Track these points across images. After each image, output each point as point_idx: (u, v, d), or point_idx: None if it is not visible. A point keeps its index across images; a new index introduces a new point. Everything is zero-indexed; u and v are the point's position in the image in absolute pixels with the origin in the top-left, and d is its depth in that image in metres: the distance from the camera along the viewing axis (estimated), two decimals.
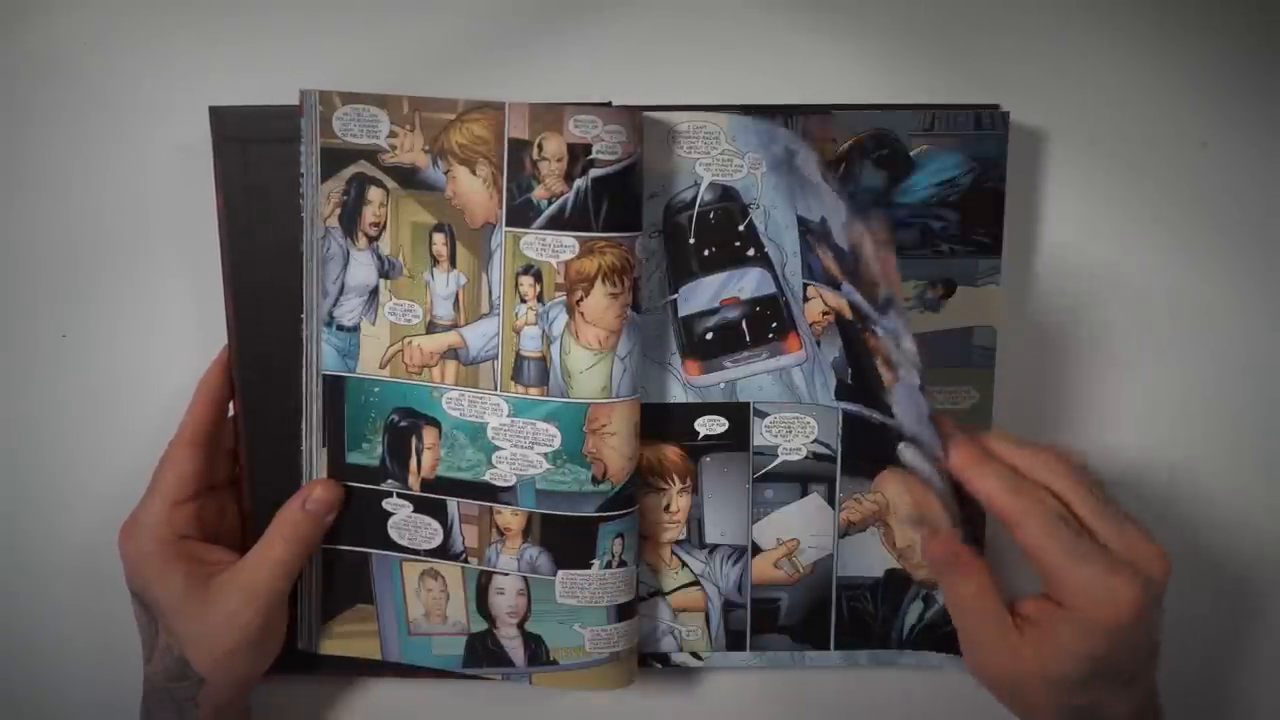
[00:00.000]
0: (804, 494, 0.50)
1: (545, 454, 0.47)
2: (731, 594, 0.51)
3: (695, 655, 0.52)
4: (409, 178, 0.46)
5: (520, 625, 0.49)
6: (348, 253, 0.47)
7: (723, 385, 0.49)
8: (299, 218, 0.46)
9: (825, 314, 0.48)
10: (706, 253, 0.48)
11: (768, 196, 0.48)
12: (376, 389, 0.48)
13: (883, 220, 0.45)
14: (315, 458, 0.48)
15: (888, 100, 0.50)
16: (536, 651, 0.49)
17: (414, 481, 0.48)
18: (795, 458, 0.50)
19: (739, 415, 0.50)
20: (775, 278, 0.48)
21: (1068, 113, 0.51)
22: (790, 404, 0.49)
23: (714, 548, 0.51)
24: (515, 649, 0.49)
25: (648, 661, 0.52)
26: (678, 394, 0.50)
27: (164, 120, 0.51)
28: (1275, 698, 0.54)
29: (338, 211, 0.46)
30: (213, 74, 0.51)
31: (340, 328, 0.47)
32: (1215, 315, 0.52)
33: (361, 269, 0.47)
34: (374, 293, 0.47)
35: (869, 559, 0.51)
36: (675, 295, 0.49)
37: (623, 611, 0.48)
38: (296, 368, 0.47)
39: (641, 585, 0.50)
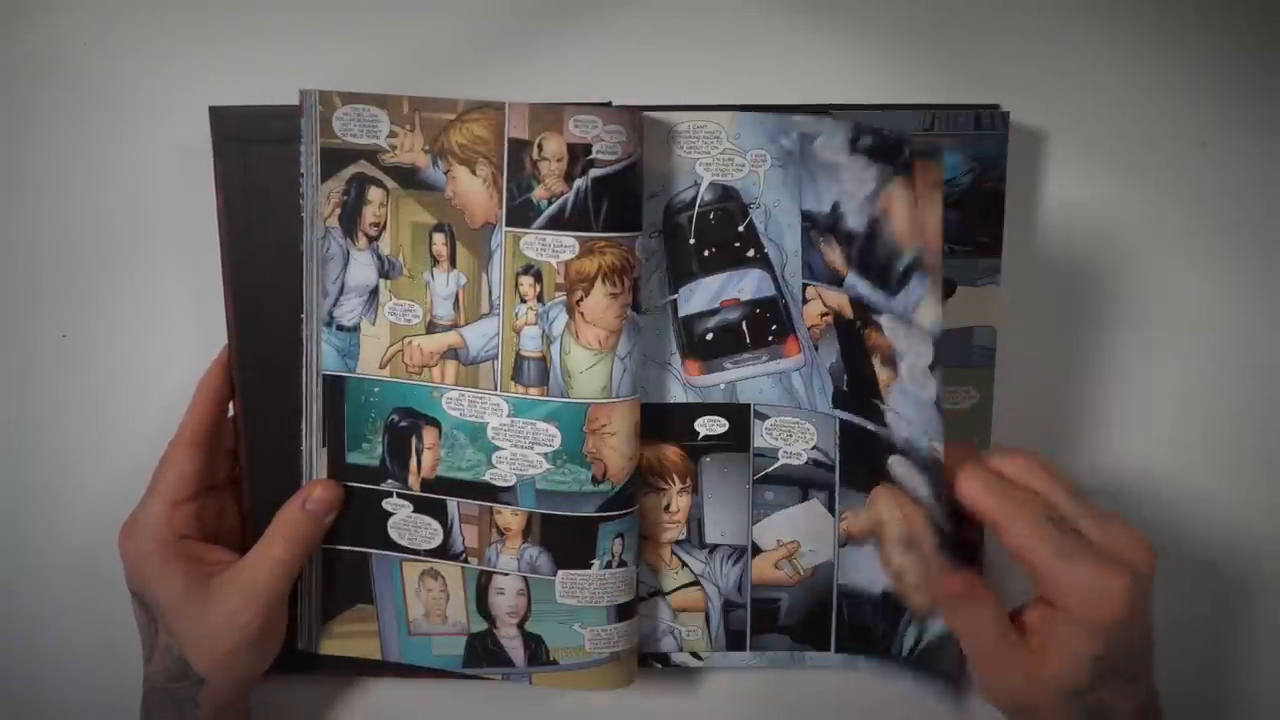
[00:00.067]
0: (804, 499, 0.50)
1: (545, 454, 0.47)
2: (731, 594, 0.51)
3: (695, 655, 0.52)
4: (409, 178, 0.46)
5: (520, 625, 0.49)
6: (348, 253, 0.47)
7: (723, 386, 0.49)
8: (299, 218, 0.46)
9: (824, 315, 0.47)
10: (706, 253, 0.48)
11: (770, 194, 0.48)
12: (376, 389, 0.48)
13: (935, 160, 0.41)
14: (315, 458, 0.48)
15: (888, 100, 0.50)
16: (536, 651, 0.49)
17: (414, 481, 0.48)
18: (796, 462, 0.50)
19: (739, 416, 0.50)
20: (775, 279, 0.48)
21: (1068, 113, 0.51)
22: (790, 408, 0.49)
23: (714, 548, 0.51)
24: (515, 649, 0.49)
25: (648, 661, 0.52)
26: (678, 394, 0.50)
27: (164, 120, 0.51)
28: (1275, 698, 0.54)
29: (338, 211, 0.46)
30: (213, 74, 0.51)
31: (340, 328, 0.47)
32: (1215, 315, 0.52)
33: (361, 269, 0.47)
34: (374, 293, 0.47)
35: (870, 572, 0.49)
36: (675, 295, 0.49)
37: (623, 611, 0.49)
38: (296, 368, 0.47)
39: (641, 585, 0.50)
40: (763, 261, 0.48)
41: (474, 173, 0.45)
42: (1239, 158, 0.52)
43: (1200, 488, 0.53)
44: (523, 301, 0.46)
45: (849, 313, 0.46)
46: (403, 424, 0.48)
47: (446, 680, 0.51)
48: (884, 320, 0.44)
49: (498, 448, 0.47)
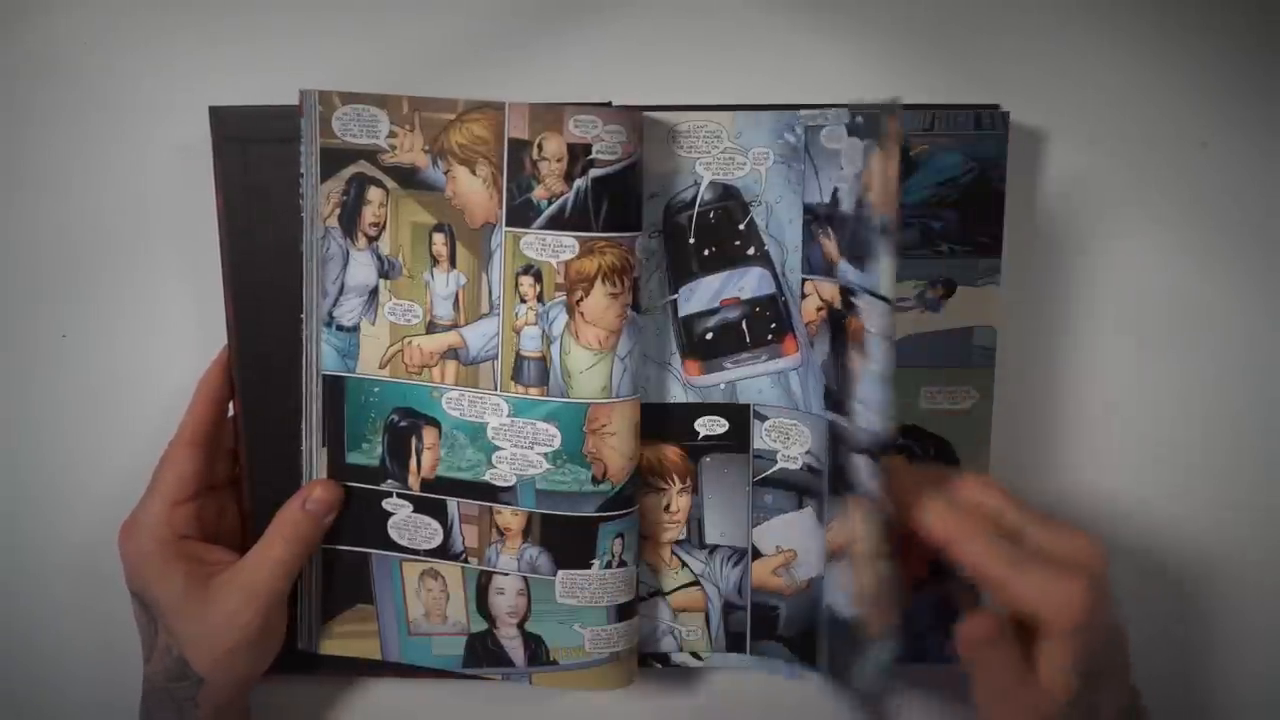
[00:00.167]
0: (800, 506, 0.50)
1: (545, 454, 0.47)
2: (731, 595, 0.51)
3: (695, 655, 0.52)
4: (409, 178, 0.46)
5: (520, 625, 0.49)
6: (347, 253, 0.47)
7: (723, 386, 0.49)
8: (299, 218, 0.46)
9: (819, 310, 0.47)
10: (706, 252, 0.48)
11: (772, 191, 0.47)
12: (376, 389, 0.48)
13: (895, 113, 0.41)
14: (315, 458, 0.48)
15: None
16: (536, 651, 0.49)
17: (414, 481, 0.48)
18: (793, 466, 0.49)
19: (739, 417, 0.50)
20: (775, 276, 0.48)
21: (1068, 113, 0.51)
22: (788, 410, 0.49)
23: (714, 548, 0.51)
24: (515, 649, 0.49)
25: (648, 661, 0.52)
26: (678, 394, 0.50)
27: (164, 120, 0.51)
28: (1275, 701, 0.54)
29: (337, 211, 0.46)
30: (213, 74, 0.51)
31: (340, 328, 0.47)
32: (1215, 315, 0.52)
33: (361, 269, 0.47)
34: (374, 293, 0.47)
35: (846, 592, 0.46)
36: (675, 295, 0.49)
37: (623, 611, 0.48)
38: (296, 368, 0.47)
39: (641, 585, 0.50)
40: (763, 259, 0.48)
41: (474, 173, 0.45)
42: (1239, 158, 0.52)
43: (1200, 488, 0.53)
44: (523, 301, 0.46)
45: (839, 303, 0.46)
46: (403, 424, 0.48)
47: (446, 680, 0.51)
48: (859, 300, 0.43)
49: (498, 448, 0.47)
